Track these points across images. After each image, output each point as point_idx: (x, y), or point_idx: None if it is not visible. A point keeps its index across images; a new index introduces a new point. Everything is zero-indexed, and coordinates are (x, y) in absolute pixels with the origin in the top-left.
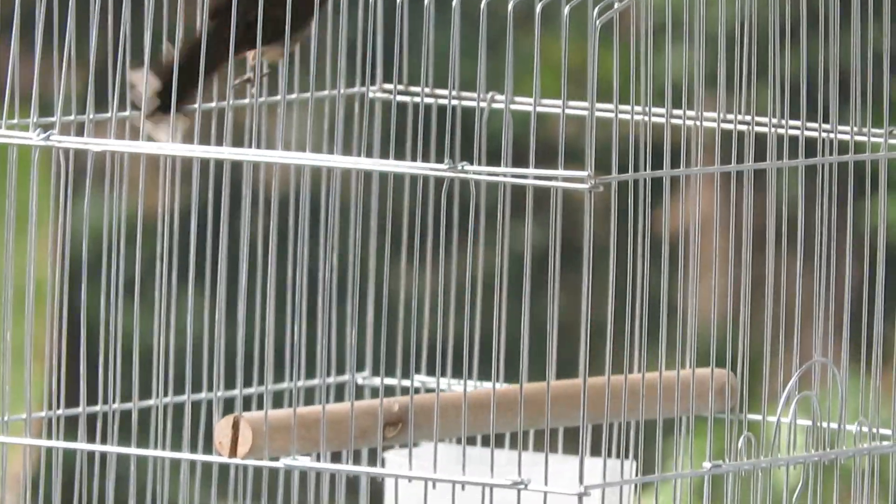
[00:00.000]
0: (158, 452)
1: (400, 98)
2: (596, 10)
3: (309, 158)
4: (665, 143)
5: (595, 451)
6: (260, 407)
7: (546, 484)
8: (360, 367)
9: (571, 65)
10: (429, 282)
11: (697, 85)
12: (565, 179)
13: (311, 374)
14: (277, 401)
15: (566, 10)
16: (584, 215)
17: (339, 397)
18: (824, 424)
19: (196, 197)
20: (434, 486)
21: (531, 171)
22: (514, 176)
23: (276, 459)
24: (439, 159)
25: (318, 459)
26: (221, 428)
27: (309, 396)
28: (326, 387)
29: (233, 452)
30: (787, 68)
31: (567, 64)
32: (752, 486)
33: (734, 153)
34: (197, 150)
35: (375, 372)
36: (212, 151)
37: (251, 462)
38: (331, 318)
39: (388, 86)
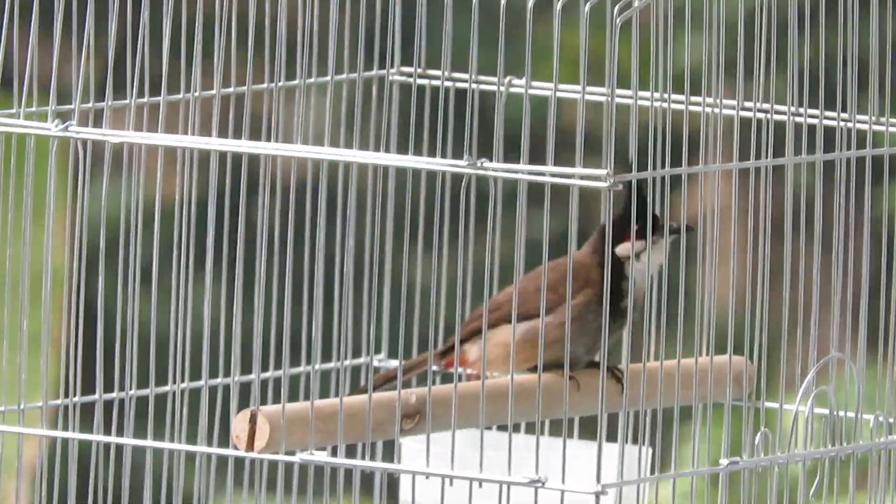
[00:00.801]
0: (175, 445)
1: (418, 81)
2: (616, 7)
3: (327, 153)
4: (683, 134)
5: (611, 437)
6: (276, 391)
7: (563, 482)
8: (376, 349)
9: (589, 54)
10: (446, 271)
11: (715, 73)
12: (583, 178)
13: (327, 357)
14: (294, 385)
15: (587, 8)
16: (601, 206)
17: (356, 380)
18: (841, 415)
19: (213, 187)
20: (451, 483)
21: (549, 168)
22: (531, 173)
23: (293, 453)
24: (456, 146)
25: (335, 453)
26: (238, 422)
27: (325, 380)
28: (343, 369)
29: (250, 447)
30: (805, 57)
31: (587, 54)
32: (769, 480)
33: (753, 145)
34: (214, 143)
35: (392, 355)
36: (229, 145)
37: (268, 457)
38: (348, 302)
39: (406, 69)
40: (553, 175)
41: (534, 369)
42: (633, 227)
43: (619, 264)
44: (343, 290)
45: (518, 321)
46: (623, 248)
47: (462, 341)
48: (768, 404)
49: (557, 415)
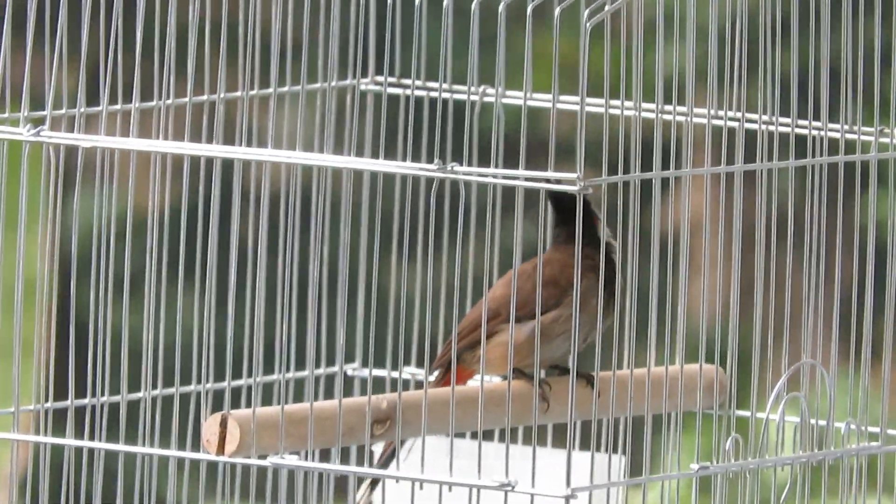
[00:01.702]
0: (147, 449)
1: (392, 90)
2: (587, 12)
3: (300, 157)
4: (655, 141)
5: (584, 446)
6: (249, 400)
7: (533, 486)
8: (349, 358)
9: (563, 60)
10: (419, 277)
11: (688, 81)
12: (556, 181)
13: (300, 366)
14: (267, 393)
15: (557, 11)
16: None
17: (329, 389)
18: (813, 423)
19: (186, 193)
20: (421, 487)
21: (521, 172)
22: (504, 177)
23: (265, 457)
24: (431, 155)
25: (307, 457)
26: (209, 426)
27: (298, 388)
28: (315, 378)
29: (220, 450)
30: (777, 65)
31: (558, 61)
32: (740, 486)
33: (724, 152)
34: (187, 148)
35: (365, 363)
36: (202, 149)
37: (239, 460)
38: (321, 310)
39: (380, 78)
40: (525, 179)
41: (548, 369)
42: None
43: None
44: (315, 298)
45: (522, 322)
46: (606, 232)
47: (459, 354)
48: (740, 412)
49: (529, 421)
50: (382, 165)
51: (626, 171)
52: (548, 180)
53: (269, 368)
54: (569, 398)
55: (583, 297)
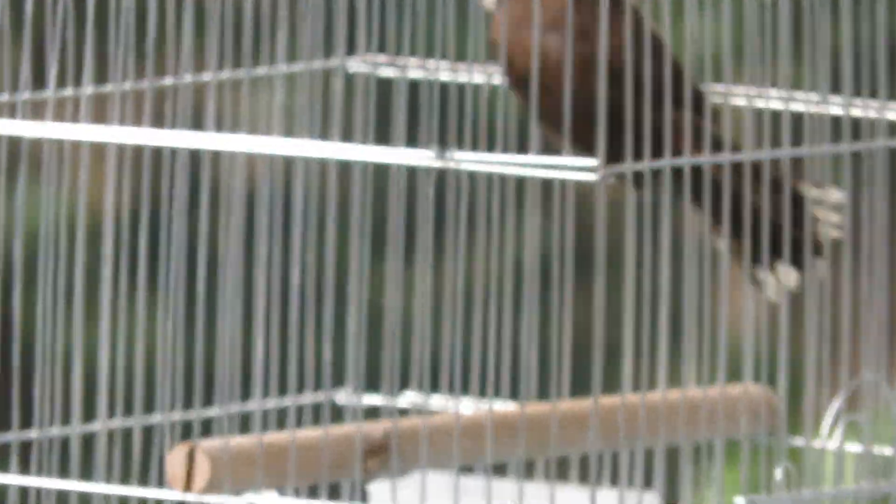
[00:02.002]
0: (104, 487)
1: (384, 71)
2: None
3: (280, 147)
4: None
5: (615, 481)
6: (222, 432)
7: None
8: (340, 382)
9: None
10: (420, 286)
11: (725, 56)
12: (573, 169)
13: (282, 392)
14: (244, 425)
15: None
16: (595, 209)
17: (316, 418)
18: (877, 451)
19: (148, 190)
20: None
21: (532, 158)
22: (513, 165)
23: (240, 495)
24: (429, 144)
25: (289, 494)
26: (175, 458)
27: (280, 418)
28: (299, 406)
29: (188, 486)
30: (828, 37)
31: (572, 35)
32: None
33: (768, 137)
34: (149, 138)
35: (357, 388)
36: (166, 138)
37: (210, 499)
38: (305, 327)
39: (371, 57)
40: (537, 167)
41: None
42: None
43: None
44: (299, 312)
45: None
46: None
47: None
48: (792, 439)
49: (548, 452)
50: (374, 154)
51: (655, 157)
52: (564, 168)
53: (245, 394)
54: (591, 423)
55: None
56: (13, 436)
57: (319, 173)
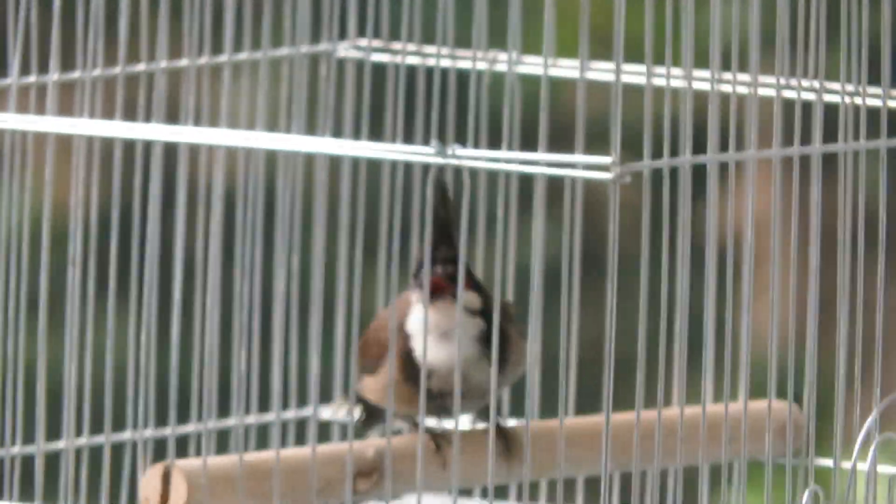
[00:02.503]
0: None
1: (377, 57)
2: None
3: (262, 140)
4: (710, 116)
5: (625, 502)
6: (199, 451)
7: None
8: (326, 397)
9: (593, 21)
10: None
11: (752, 43)
12: (585, 167)
13: (266, 407)
14: (222, 443)
15: None
16: (607, 211)
17: (301, 436)
18: None
19: (118, 187)
20: None
21: (541, 156)
22: (520, 163)
23: None
24: (428, 137)
25: None
26: (149, 480)
27: (262, 435)
28: (283, 422)
29: None
30: (864, 23)
31: (588, 19)
32: None
33: (798, 131)
34: (119, 130)
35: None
36: (139, 131)
37: None
38: (289, 337)
39: (363, 41)
40: (547, 165)
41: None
42: (428, 275)
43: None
44: (283, 322)
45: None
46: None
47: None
48: (820, 460)
49: (552, 472)
50: (366, 149)
51: (674, 153)
52: (575, 166)
53: (224, 410)
54: (602, 443)
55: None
56: None
57: (306, 168)
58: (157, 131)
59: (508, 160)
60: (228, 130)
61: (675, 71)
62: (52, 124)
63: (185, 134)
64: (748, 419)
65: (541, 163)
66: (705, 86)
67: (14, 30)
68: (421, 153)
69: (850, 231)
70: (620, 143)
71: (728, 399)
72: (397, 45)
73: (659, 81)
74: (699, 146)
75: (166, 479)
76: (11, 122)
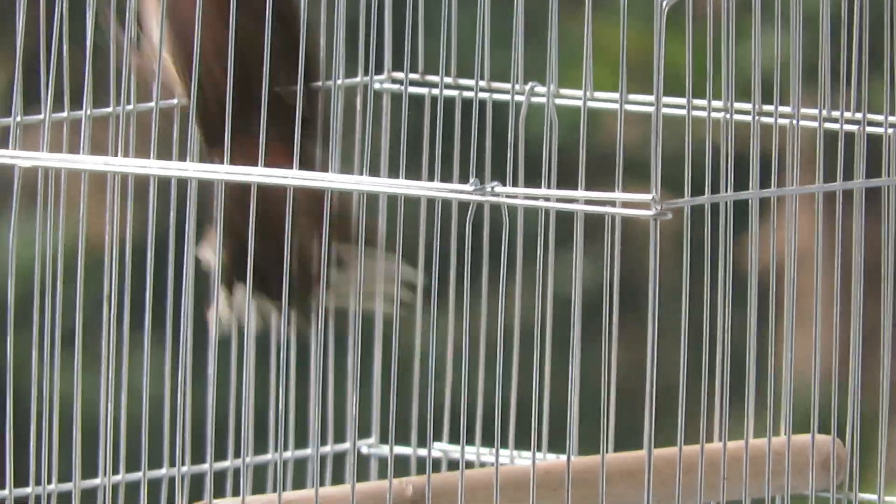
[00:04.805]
0: None
1: (414, 90)
2: None
3: (297, 176)
4: (752, 150)
5: None
6: (237, 487)
7: None
8: (364, 432)
9: (631, 54)
10: (452, 329)
11: (794, 74)
12: (624, 205)
13: (303, 442)
14: (259, 478)
15: None
16: (647, 246)
17: (339, 472)
18: None
19: (153, 223)
20: None
21: (580, 193)
22: (558, 200)
23: None
24: (463, 172)
25: None
26: None
27: (299, 471)
28: (321, 458)
29: None
30: None
31: (626, 53)
32: None
33: (840, 164)
34: (154, 167)
35: (384, 439)
36: (173, 168)
37: None
38: (326, 372)
39: (398, 74)
40: (586, 202)
41: None
42: None
43: None
44: (320, 357)
45: None
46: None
47: None
48: (865, 496)
49: None
50: (403, 186)
51: (715, 190)
52: (615, 203)
53: (261, 446)
54: (645, 478)
55: None
56: (6, 493)
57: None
58: (192, 168)
59: (549, 196)
60: (263, 168)
61: (716, 103)
62: (85, 162)
63: (219, 171)
64: (791, 453)
65: (580, 200)
66: (745, 118)
67: (46, 63)
68: (460, 191)
69: (894, 265)
70: (661, 178)
71: (771, 433)
72: (432, 78)
73: (699, 114)
74: (738, 179)
75: None
76: (45, 161)
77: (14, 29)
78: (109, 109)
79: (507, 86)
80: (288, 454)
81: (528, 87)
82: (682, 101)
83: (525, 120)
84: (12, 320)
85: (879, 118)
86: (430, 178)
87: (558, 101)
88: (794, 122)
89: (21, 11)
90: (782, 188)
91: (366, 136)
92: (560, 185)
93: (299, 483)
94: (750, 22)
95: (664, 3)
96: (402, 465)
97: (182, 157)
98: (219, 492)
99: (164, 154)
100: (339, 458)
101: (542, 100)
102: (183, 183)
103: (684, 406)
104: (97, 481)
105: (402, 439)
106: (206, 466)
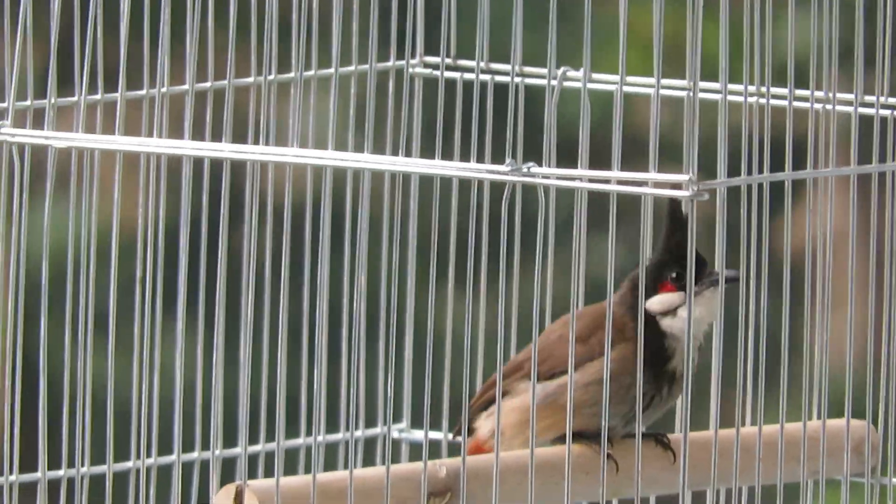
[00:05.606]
0: None
1: (447, 74)
2: None
3: (331, 157)
4: (787, 134)
5: None
6: (268, 471)
7: None
8: (396, 417)
9: (666, 38)
10: (483, 312)
11: (830, 59)
12: (659, 185)
13: (332, 427)
14: (290, 461)
15: None
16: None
17: (369, 455)
18: None
19: (186, 205)
20: None
21: (615, 174)
22: (593, 180)
23: None
24: (496, 154)
25: None
26: (221, 499)
27: (330, 455)
28: (354, 443)
29: None
30: None
31: (661, 36)
32: None
33: (876, 147)
34: (187, 147)
35: (416, 423)
36: (206, 149)
37: None
38: (359, 356)
39: (431, 59)
40: (620, 182)
41: (560, 440)
42: (671, 274)
43: (653, 319)
44: (353, 341)
45: (539, 381)
46: (657, 302)
47: (472, 417)
48: None
49: (628, 492)
50: (440, 167)
51: (750, 171)
52: (650, 184)
53: (293, 430)
54: (680, 462)
55: (612, 368)
56: (39, 475)
57: (374, 184)
58: (225, 149)
59: (582, 177)
60: (297, 149)
61: (751, 87)
62: (119, 143)
63: (253, 151)
64: (826, 438)
65: (614, 181)
66: (781, 102)
67: (81, 46)
68: (497, 171)
69: None
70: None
71: (805, 417)
72: (465, 63)
73: (734, 98)
74: (773, 161)
75: (238, 499)
76: (79, 141)
77: (49, 12)
78: (143, 92)
79: (538, 70)
80: (320, 438)
81: (560, 72)
82: (715, 84)
83: (557, 104)
84: (46, 303)
85: None
86: (464, 159)
87: (590, 86)
88: (829, 106)
89: None
90: (817, 170)
91: (401, 118)
92: (593, 165)
93: (329, 467)
94: (786, 6)
95: None
96: (434, 449)
97: (215, 139)
98: (250, 475)
99: (197, 136)
100: (370, 444)
101: (575, 84)
102: (216, 164)
103: (718, 389)
104: (129, 464)
105: (436, 424)
106: (237, 450)
